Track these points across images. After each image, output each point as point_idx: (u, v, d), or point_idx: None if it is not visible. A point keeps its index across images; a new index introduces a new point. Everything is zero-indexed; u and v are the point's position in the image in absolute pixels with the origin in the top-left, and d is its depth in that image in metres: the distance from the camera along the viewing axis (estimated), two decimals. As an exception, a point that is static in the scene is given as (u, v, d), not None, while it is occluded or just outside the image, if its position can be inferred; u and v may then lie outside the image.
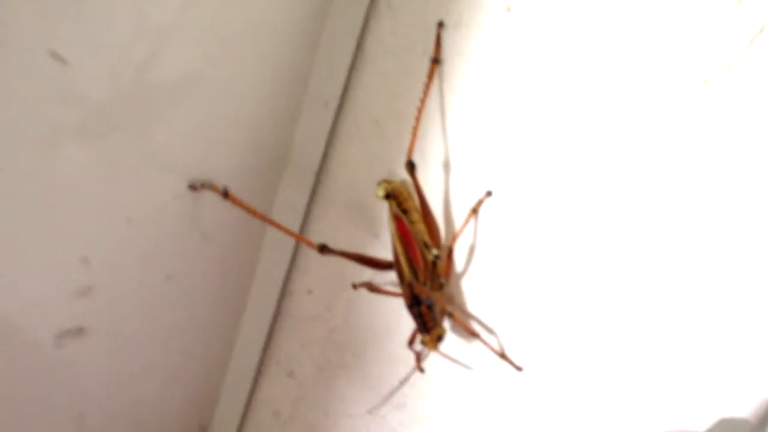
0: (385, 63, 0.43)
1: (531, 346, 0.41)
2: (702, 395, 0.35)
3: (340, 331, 0.50)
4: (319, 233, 0.49)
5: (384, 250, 0.45)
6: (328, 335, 0.50)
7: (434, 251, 0.42)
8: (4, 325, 0.35)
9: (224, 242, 0.46)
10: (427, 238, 0.42)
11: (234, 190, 0.46)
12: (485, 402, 0.44)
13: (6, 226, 0.32)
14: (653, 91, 0.34)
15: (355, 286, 0.48)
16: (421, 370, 0.46)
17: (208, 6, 0.36)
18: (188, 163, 0.40)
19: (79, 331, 0.39)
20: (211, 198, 0.44)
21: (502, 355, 0.42)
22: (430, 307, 0.42)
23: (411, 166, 0.41)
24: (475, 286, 0.43)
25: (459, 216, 0.43)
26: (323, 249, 0.43)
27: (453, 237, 0.43)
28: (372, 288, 0.47)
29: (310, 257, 0.50)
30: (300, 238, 0.46)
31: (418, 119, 0.41)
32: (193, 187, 0.41)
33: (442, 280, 0.43)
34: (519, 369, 0.42)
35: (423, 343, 0.43)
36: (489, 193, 0.41)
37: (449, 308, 0.44)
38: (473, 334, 0.43)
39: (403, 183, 0.44)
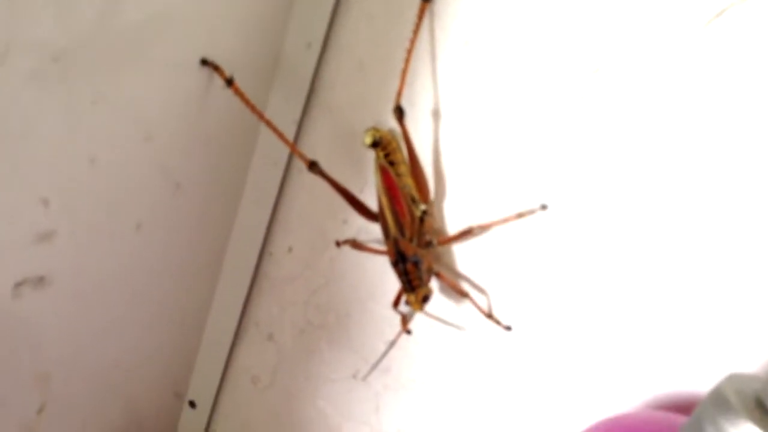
0: (372, 1, 0.41)
1: (521, 306, 0.39)
2: (710, 350, 0.33)
3: (322, 292, 0.47)
4: (300, 184, 0.47)
5: (370, 205, 0.43)
6: (310, 296, 0.48)
7: (422, 206, 0.40)
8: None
9: (199, 193, 0.44)
10: (414, 192, 0.40)
11: (212, 140, 0.44)
12: (473, 364, 0.42)
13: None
14: (662, 26, 0.32)
15: (338, 244, 0.46)
16: (408, 332, 0.44)
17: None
18: (156, 107, 0.38)
19: (39, 280, 0.36)
20: (185, 146, 0.41)
21: (489, 315, 0.41)
22: (416, 265, 0.40)
23: (399, 112, 0.39)
24: (465, 245, 0.41)
25: (449, 168, 0.40)
26: (313, 166, 0.41)
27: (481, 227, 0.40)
28: (356, 245, 0.45)
29: (291, 213, 0.47)
30: (294, 148, 0.43)
31: (407, 62, 0.38)
32: (204, 62, 0.39)
33: (430, 238, 0.41)
34: (508, 329, 0.40)
35: (408, 303, 0.41)
36: (544, 207, 0.37)
37: (437, 267, 0.42)
38: (462, 294, 0.41)
39: (391, 132, 0.41)
